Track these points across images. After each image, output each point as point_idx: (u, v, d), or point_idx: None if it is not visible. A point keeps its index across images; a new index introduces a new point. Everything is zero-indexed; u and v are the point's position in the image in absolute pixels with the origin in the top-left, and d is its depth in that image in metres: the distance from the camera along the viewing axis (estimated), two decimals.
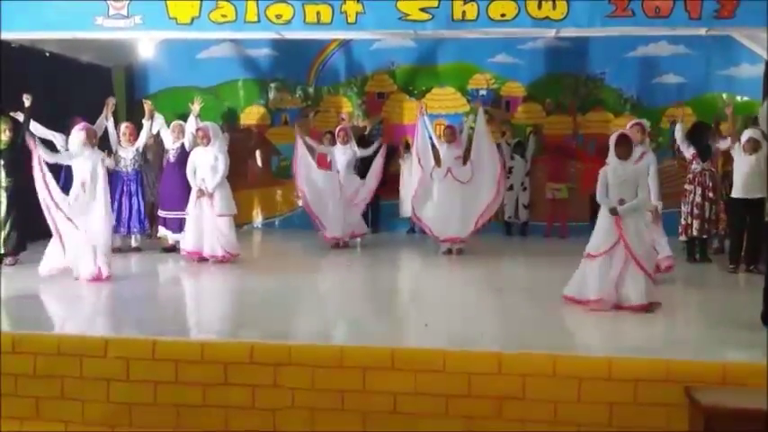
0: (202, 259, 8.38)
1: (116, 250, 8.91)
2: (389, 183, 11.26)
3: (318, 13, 7.72)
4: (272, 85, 11.90)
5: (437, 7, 7.58)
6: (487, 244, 9.78)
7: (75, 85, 9.85)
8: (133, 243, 9.21)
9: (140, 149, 9.16)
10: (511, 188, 11.00)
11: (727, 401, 4.21)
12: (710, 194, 8.42)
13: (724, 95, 10.78)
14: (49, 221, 7.02)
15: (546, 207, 11.08)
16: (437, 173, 9.28)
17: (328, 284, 8.16)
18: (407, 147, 11.35)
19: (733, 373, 4.48)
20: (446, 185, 9.20)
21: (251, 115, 11.91)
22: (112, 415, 4.86)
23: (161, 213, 9.08)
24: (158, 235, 9.19)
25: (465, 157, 9.33)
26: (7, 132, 7.89)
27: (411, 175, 10.71)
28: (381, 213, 11.41)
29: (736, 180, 7.97)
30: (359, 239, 10.00)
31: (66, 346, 4.97)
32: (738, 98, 10.72)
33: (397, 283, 8.27)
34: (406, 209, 10.98)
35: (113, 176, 8.80)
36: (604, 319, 5.93)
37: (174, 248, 8.92)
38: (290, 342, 4.89)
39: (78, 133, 7.25)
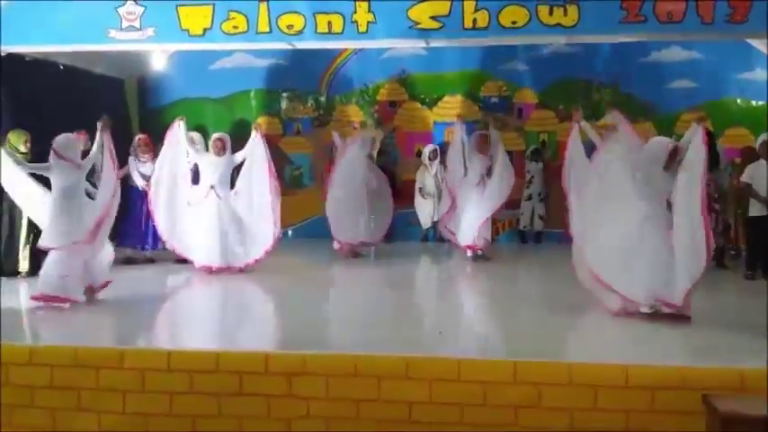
0: (220, 270, 8.43)
1: (130, 261, 9.02)
2: (403, 191, 11.28)
3: (330, 23, 7.75)
4: (284, 94, 11.95)
5: (448, 15, 7.59)
6: (503, 251, 9.78)
7: (89, 98, 9.92)
8: (148, 254, 9.25)
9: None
10: (529, 198, 10.98)
11: (746, 409, 4.16)
12: (715, 205, 8.34)
13: (738, 100, 10.75)
14: None
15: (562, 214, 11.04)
16: (467, 183, 9.36)
17: (342, 293, 8.16)
18: (419, 155, 11.38)
19: (751, 379, 4.43)
20: (475, 196, 9.27)
21: (263, 125, 11.93)
22: (128, 426, 4.87)
23: None
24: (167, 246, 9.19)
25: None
26: (27, 144, 7.91)
27: (429, 184, 10.82)
28: (394, 222, 11.38)
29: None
30: (373, 248, 10.00)
31: (83, 357, 4.98)
32: (753, 103, 10.69)
33: (412, 292, 8.26)
34: (425, 219, 11.01)
35: (132, 192, 8.88)
36: (619, 325, 5.90)
37: (186, 259, 8.94)
38: (304, 351, 4.89)
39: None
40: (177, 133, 8.46)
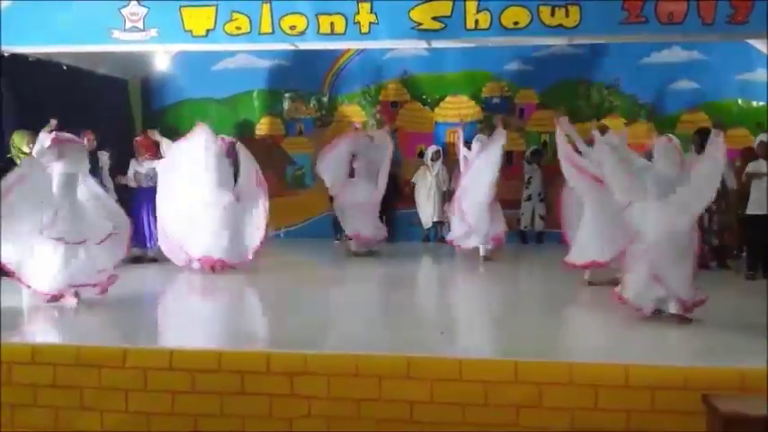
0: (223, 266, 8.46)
1: (137, 260, 9.06)
2: (404, 191, 11.31)
3: (332, 24, 7.77)
4: (287, 95, 11.95)
5: (450, 16, 7.61)
6: (504, 252, 9.79)
7: (92, 98, 9.95)
8: (150, 254, 9.29)
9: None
10: (529, 199, 10.99)
11: (746, 409, 4.16)
12: (712, 205, 8.32)
13: (739, 101, 10.75)
14: None
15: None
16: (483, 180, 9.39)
17: (344, 293, 8.17)
18: (421, 155, 11.41)
19: (752, 379, 4.44)
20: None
21: (265, 125, 11.96)
22: (130, 425, 4.89)
23: None
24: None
25: None
26: (31, 146, 7.91)
27: (428, 183, 10.88)
28: (396, 222, 11.41)
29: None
30: (375, 247, 10.02)
31: (85, 356, 5.00)
32: (754, 103, 10.69)
33: (413, 292, 8.27)
34: (427, 220, 11.06)
35: (137, 191, 8.92)
36: (620, 325, 5.91)
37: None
38: (306, 351, 4.90)
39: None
40: (201, 137, 8.48)
